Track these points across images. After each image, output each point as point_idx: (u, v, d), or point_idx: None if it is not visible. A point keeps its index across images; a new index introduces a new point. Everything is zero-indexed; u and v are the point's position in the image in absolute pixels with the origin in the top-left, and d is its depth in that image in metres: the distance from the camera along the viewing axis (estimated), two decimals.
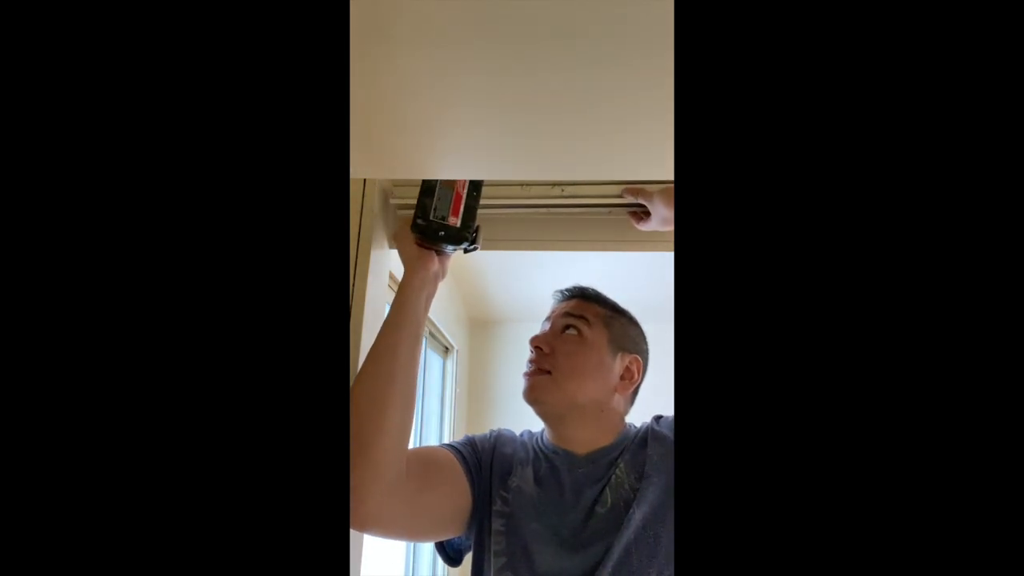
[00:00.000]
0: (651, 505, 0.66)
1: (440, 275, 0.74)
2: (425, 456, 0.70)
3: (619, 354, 0.76)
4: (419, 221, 0.68)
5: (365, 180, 0.82)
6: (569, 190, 0.80)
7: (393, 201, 0.86)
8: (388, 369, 0.64)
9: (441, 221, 0.67)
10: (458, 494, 0.70)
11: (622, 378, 0.76)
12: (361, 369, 0.65)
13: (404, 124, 0.67)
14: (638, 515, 0.65)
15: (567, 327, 0.75)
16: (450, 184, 0.67)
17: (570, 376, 0.72)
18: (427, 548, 1.99)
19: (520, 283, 2.25)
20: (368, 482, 0.60)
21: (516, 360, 2.64)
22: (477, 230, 0.70)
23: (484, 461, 0.74)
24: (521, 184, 0.80)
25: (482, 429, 0.81)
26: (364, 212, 0.81)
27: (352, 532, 0.68)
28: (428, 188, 0.67)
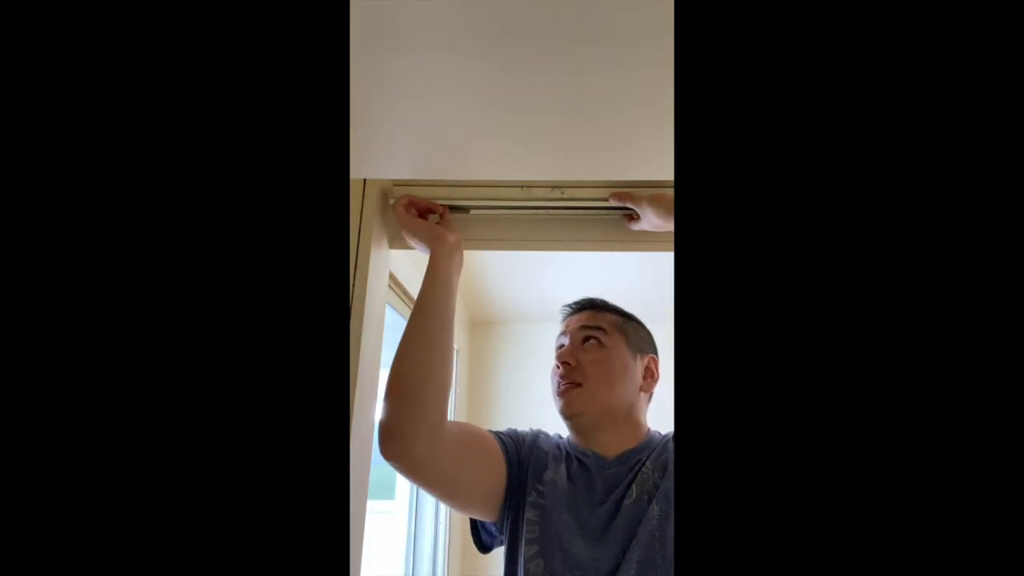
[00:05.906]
0: (671, 502, 0.70)
1: (459, 244, 0.79)
2: (467, 428, 0.77)
3: (638, 355, 0.81)
4: None
5: (365, 180, 0.82)
6: (569, 192, 0.80)
7: (393, 201, 0.86)
8: (430, 327, 0.71)
9: None
10: (495, 473, 0.75)
11: (645, 378, 0.81)
12: (406, 331, 0.71)
13: (405, 124, 0.67)
14: (657, 510, 0.69)
15: (587, 339, 0.80)
16: None
17: (599, 384, 0.77)
18: (426, 550, 1.99)
19: (520, 283, 2.25)
20: (417, 426, 0.66)
21: (516, 361, 2.64)
22: None
23: (523, 453, 0.79)
24: (522, 185, 0.81)
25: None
26: (364, 212, 0.81)
27: (352, 533, 0.68)
28: None
